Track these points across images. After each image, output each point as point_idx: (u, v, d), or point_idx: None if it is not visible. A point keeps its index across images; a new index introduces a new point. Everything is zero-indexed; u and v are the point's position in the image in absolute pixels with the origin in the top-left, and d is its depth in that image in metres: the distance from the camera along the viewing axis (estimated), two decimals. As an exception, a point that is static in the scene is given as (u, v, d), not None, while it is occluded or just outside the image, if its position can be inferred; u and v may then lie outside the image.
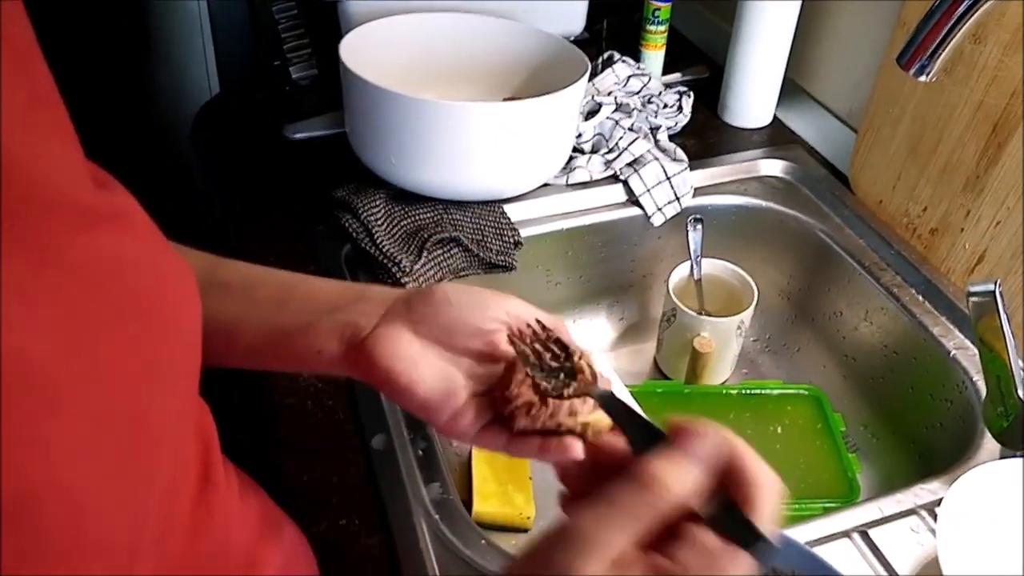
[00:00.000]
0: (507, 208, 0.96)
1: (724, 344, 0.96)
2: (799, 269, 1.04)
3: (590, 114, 1.03)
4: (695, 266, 1.00)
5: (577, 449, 0.44)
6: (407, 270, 0.86)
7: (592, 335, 1.07)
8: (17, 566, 0.27)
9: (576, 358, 0.46)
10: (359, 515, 0.65)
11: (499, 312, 0.50)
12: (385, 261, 0.87)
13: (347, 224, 0.90)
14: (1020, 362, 0.67)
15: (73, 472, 0.29)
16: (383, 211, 0.92)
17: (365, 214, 0.90)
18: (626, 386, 0.92)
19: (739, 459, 0.37)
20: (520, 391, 0.45)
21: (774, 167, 1.07)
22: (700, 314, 0.95)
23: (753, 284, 0.96)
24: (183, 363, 0.39)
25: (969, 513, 0.61)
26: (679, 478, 0.36)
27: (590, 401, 0.46)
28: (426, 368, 0.49)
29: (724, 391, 0.95)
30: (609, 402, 0.44)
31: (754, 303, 0.95)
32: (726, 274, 1.00)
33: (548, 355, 0.47)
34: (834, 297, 0.99)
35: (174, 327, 0.39)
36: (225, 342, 0.52)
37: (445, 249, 0.90)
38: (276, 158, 1.06)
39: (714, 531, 0.36)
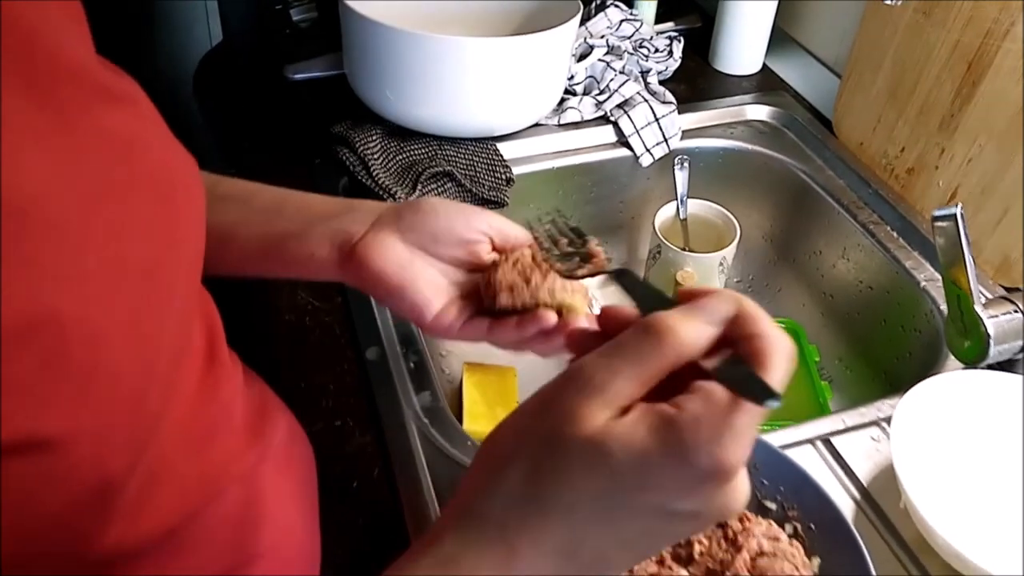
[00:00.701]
0: (500, 146, 0.99)
1: (707, 280, 1.00)
2: (781, 211, 1.07)
3: (582, 57, 1.06)
4: (681, 206, 1.04)
5: (551, 318, 0.48)
6: (402, 201, 0.90)
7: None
8: (40, 377, 0.31)
9: (591, 244, 0.50)
10: (353, 417, 0.70)
11: (482, 224, 0.54)
12: (380, 193, 0.90)
13: (344, 158, 0.94)
14: (978, 282, 0.70)
15: (91, 305, 0.33)
16: (379, 146, 0.95)
17: (362, 148, 0.94)
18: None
19: (750, 318, 0.35)
20: (504, 274, 0.49)
21: (760, 112, 1.10)
22: (684, 250, 0.99)
23: (736, 223, 1.00)
24: (188, 240, 0.43)
25: (921, 419, 0.65)
26: (690, 329, 0.34)
27: (569, 285, 0.50)
28: (413, 271, 0.53)
29: (705, 323, 0.99)
30: (624, 276, 0.44)
31: (736, 240, 0.98)
32: (710, 214, 1.03)
33: (564, 240, 0.51)
34: (814, 237, 1.03)
35: (181, 205, 0.42)
36: (222, 248, 0.55)
37: (439, 183, 0.94)
38: (277, 99, 1.09)
39: (723, 386, 0.34)
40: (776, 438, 0.70)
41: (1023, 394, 0.66)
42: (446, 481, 0.65)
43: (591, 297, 0.54)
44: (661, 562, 0.57)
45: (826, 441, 0.71)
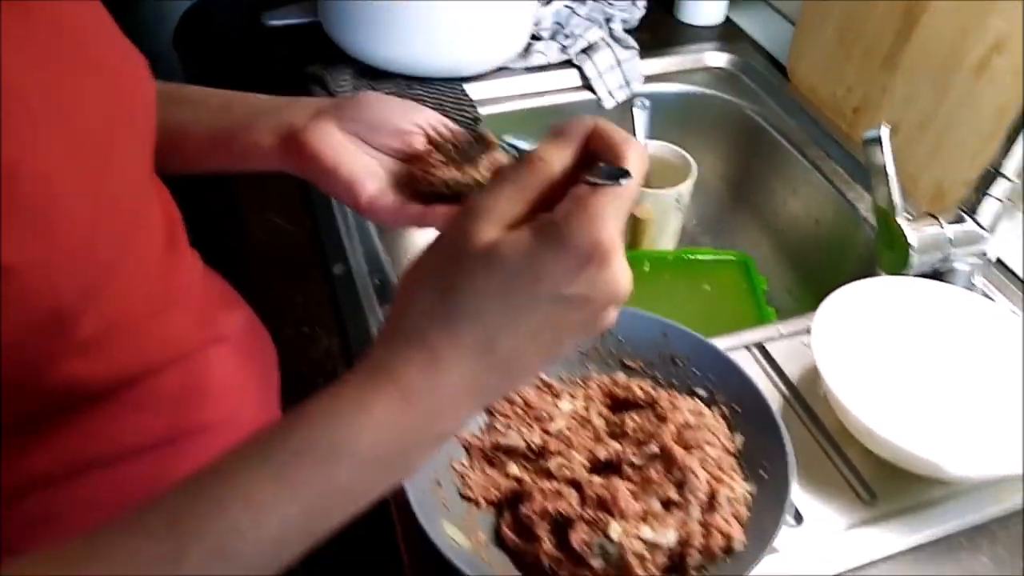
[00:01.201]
0: (468, 87, 1.04)
1: (664, 216, 1.05)
2: (737, 152, 1.12)
3: (548, 2, 1.11)
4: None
5: None
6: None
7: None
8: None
9: (487, 143, 0.55)
10: (320, 325, 0.75)
11: (418, 117, 0.58)
12: (351, 127, 0.95)
13: (318, 96, 0.98)
14: (908, 204, 0.75)
15: (44, 153, 0.38)
16: (351, 84, 1.00)
17: (334, 86, 0.98)
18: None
19: (603, 132, 0.40)
20: (436, 159, 0.54)
21: (719, 59, 1.15)
22: (641, 186, 1.03)
23: (692, 162, 1.05)
24: (139, 123, 0.48)
25: (842, 317, 0.70)
26: (552, 149, 0.40)
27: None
28: (349, 155, 0.56)
29: (661, 256, 1.04)
30: (511, 149, 0.50)
31: (692, 177, 1.03)
32: (669, 154, 1.08)
33: (465, 142, 0.55)
34: (767, 176, 1.08)
35: (133, 92, 0.47)
36: (176, 144, 0.59)
37: (408, 120, 0.98)
38: (255, 46, 1.13)
39: (587, 184, 0.38)
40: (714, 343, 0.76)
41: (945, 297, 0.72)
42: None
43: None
44: (598, 438, 0.63)
45: (760, 346, 0.76)
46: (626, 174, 0.38)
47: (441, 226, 0.50)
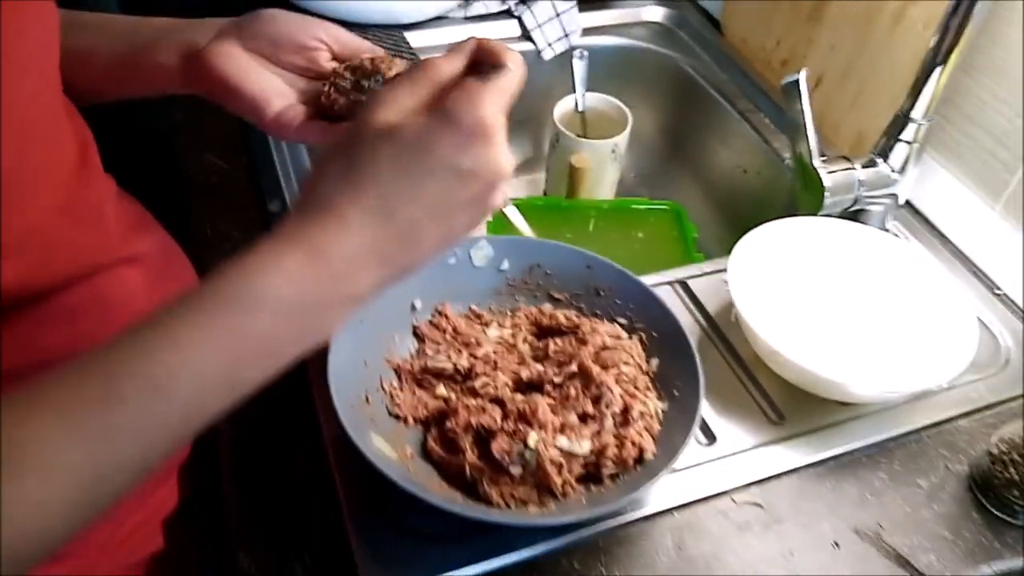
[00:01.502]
0: (407, 35, 1.05)
1: (600, 167, 1.08)
2: (672, 105, 1.16)
3: (488, -46, 1.12)
4: (579, 98, 1.11)
5: None
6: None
7: (488, 164, 1.18)
8: None
9: (388, 60, 0.56)
10: (255, 258, 0.76)
11: (320, 32, 0.58)
12: (290, 71, 0.95)
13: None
14: (822, 146, 0.79)
15: None
16: (290, 29, 1.00)
17: (273, 31, 0.98)
18: (511, 200, 1.04)
19: (489, 46, 0.46)
20: (341, 79, 0.56)
21: (656, 14, 1.18)
22: (579, 137, 1.06)
23: (628, 113, 1.08)
24: (36, 33, 0.47)
25: (757, 253, 0.74)
26: (445, 60, 0.46)
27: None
28: (254, 74, 0.57)
29: (596, 205, 1.07)
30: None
31: (628, 128, 1.06)
32: (606, 106, 1.11)
33: (368, 60, 0.56)
34: (701, 128, 1.12)
35: (36, 13, 0.47)
36: (81, 68, 0.59)
37: (347, 66, 0.99)
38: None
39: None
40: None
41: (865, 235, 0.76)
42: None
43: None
44: (522, 361, 0.66)
45: (683, 283, 0.80)
46: (503, 67, 0.44)
47: None
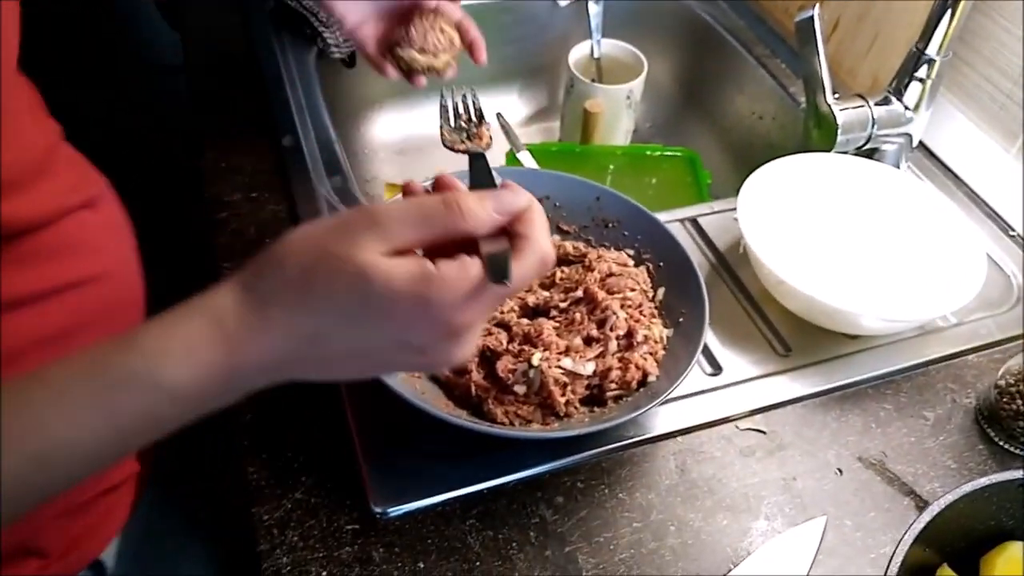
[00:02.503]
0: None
1: (615, 113, 1.07)
2: (688, 52, 1.15)
3: (504, -101, 1.11)
4: (595, 44, 1.10)
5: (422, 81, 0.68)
6: (325, 21, 0.96)
7: (505, 112, 1.18)
8: None
9: (484, 127, 0.57)
10: (268, 190, 0.77)
11: None
12: (304, 13, 0.96)
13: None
14: (829, 75, 0.78)
15: None
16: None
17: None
18: (525, 145, 1.04)
19: (530, 221, 0.41)
20: (413, 38, 0.59)
21: (673, -40, 1.17)
22: (593, 82, 1.06)
23: (644, 59, 1.07)
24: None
25: (766, 188, 0.74)
26: (477, 209, 0.39)
27: (444, 59, 0.68)
28: None
29: (610, 151, 1.06)
30: (477, 159, 0.50)
31: (643, 75, 1.06)
32: (622, 53, 1.10)
33: (464, 117, 0.57)
34: (716, 75, 1.11)
35: None
36: None
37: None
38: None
39: (482, 265, 0.39)
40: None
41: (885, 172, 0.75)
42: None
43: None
44: (529, 289, 0.66)
45: (693, 221, 0.80)
46: (505, 279, 0.39)
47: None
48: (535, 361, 0.57)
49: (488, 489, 0.58)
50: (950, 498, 0.46)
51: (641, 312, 0.62)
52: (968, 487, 0.47)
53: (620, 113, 1.08)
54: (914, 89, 0.79)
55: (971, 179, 0.86)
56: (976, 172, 0.85)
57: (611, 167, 1.05)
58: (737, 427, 0.64)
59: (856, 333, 0.69)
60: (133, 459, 0.65)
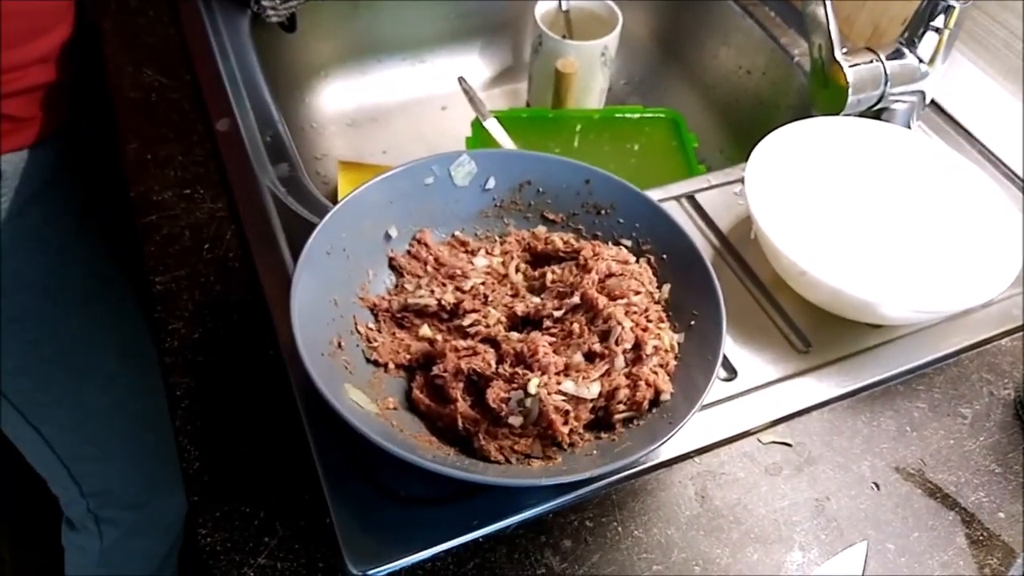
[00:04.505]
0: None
1: (589, 72, 0.97)
2: (666, 3, 1.05)
3: None
4: (562, -4, 1.00)
5: None
6: (259, -16, 0.84)
7: (466, 74, 1.07)
8: None
9: None
10: (203, 185, 0.66)
11: None
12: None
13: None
14: (837, 28, 0.70)
15: None
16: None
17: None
18: (492, 112, 0.94)
19: None
20: None
21: (645, -101, 1.06)
22: (565, 38, 0.96)
23: (619, 12, 0.97)
24: None
25: (775, 159, 0.65)
26: None
27: None
28: None
29: (586, 115, 0.97)
30: None
31: (618, 29, 0.96)
32: (593, 4, 1.00)
33: None
34: (697, 28, 1.01)
35: None
36: None
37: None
38: None
39: None
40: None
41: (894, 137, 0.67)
42: (302, 242, 0.63)
43: None
44: (516, 294, 0.57)
45: (690, 198, 0.71)
46: None
47: None
48: (532, 389, 0.48)
49: (484, 537, 0.50)
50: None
51: (648, 318, 0.54)
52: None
53: (594, 72, 0.98)
54: (929, 40, 0.70)
55: (983, 135, 0.78)
56: (989, 127, 0.78)
57: (588, 134, 0.95)
58: (760, 441, 0.56)
59: (881, 323, 0.62)
60: None
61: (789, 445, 0.56)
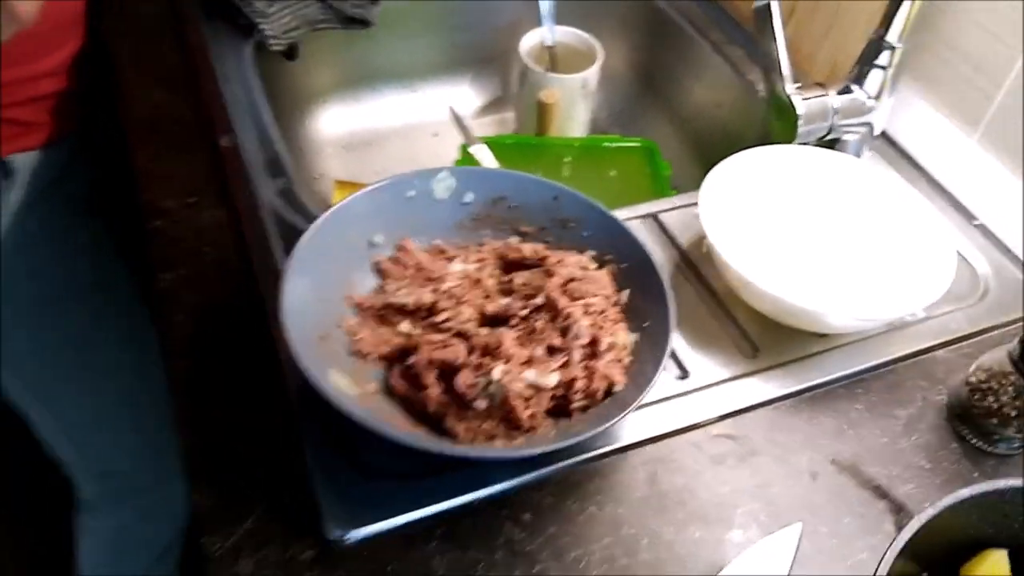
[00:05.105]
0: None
1: (570, 102, 1.04)
2: (644, 39, 1.12)
3: None
4: (547, 32, 1.07)
5: None
6: (262, 12, 0.90)
7: (457, 103, 1.14)
8: None
9: None
10: (207, 196, 0.72)
11: None
12: (238, 3, 0.91)
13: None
14: (789, 64, 0.76)
15: None
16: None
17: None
18: (479, 137, 1.01)
19: None
20: None
21: (626, -56, 1.14)
22: (547, 71, 1.02)
23: (599, 47, 1.04)
24: None
25: (728, 182, 0.71)
26: None
27: None
28: None
29: (567, 143, 1.03)
30: None
31: (599, 62, 1.03)
32: (576, 40, 1.07)
33: None
34: (673, 63, 1.08)
35: None
36: None
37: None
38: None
39: None
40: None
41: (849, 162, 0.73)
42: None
43: None
44: (488, 296, 0.63)
45: (654, 216, 0.77)
46: None
47: None
48: (496, 375, 0.54)
49: (452, 508, 0.55)
50: (931, 512, 0.45)
51: (605, 318, 0.60)
52: (949, 500, 0.45)
53: (576, 103, 1.05)
54: (875, 77, 0.77)
55: (932, 167, 0.84)
56: (938, 160, 0.84)
57: (569, 159, 1.02)
58: (707, 433, 0.61)
59: (825, 332, 0.67)
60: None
61: (734, 438, 0.61)
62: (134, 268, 0.96)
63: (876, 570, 0.43)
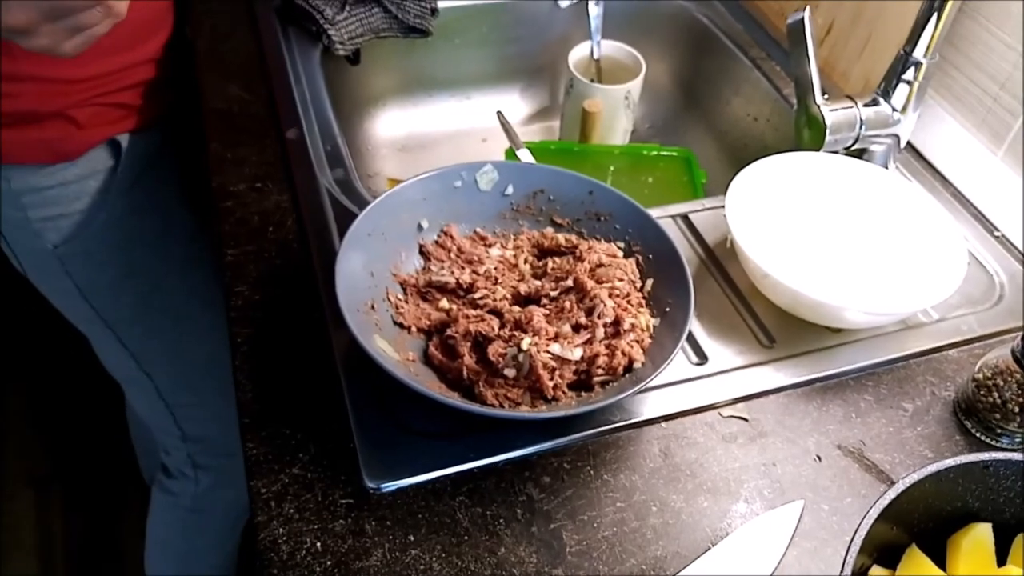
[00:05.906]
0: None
1: (613, 113, 1.09)
2: (686, 54, 1.17)
3: (508, -97, 1.14)
4: (594, 45, 1.12)
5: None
6: (331, 19, 0.98)
7: (506, 111, 1.20)
8: None
9: None
10: (272, 181, 0.80)
11: None
12: (310, 10, 0.98)
13: (280, -19, 1.02)
14: (819, 76, 0.80)
15: None
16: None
17: (295, -28, 1.01)
18: (525, 144, 1.06)
19: None
20: None
21: (672, -36, 1.19)
22: (592, 82, 1.08)
23: (642, 60, 1.09)
24: None
25: (755, 185, 0.76)
26: None
27: None
28: None
29: (608, 150, 1.09)
30: None
31: (641, 75, 1.08)
32: (621, 54, 1.12)
33: None
34: (713, 77, 1.13)
35: None
36: None
37: (367, 8, 1.02)
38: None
39: None
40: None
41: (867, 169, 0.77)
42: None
43: None
44: (522, 278, 0.69)
45: (684, 217, 0.82)
46: None
47: None
48: (524, 345, 0.59)
49: (478, 468, 0.60)
50: (916, 477, 0.48)
51: (629, 301, 0.65)
52: (933, 467, 0.49)
53: (618, 113, 1.10)
54: (901, 91, 0.81)
55: (958, 180, 0.88)
56: (963, 174, 0.87)
57: (610, 166, 1.07)
58: (720, 414, 0.66)
59: (839, 326, 0.71)
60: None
61: (746, 420, 0.66)
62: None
63: (858, 527, 0.47)
